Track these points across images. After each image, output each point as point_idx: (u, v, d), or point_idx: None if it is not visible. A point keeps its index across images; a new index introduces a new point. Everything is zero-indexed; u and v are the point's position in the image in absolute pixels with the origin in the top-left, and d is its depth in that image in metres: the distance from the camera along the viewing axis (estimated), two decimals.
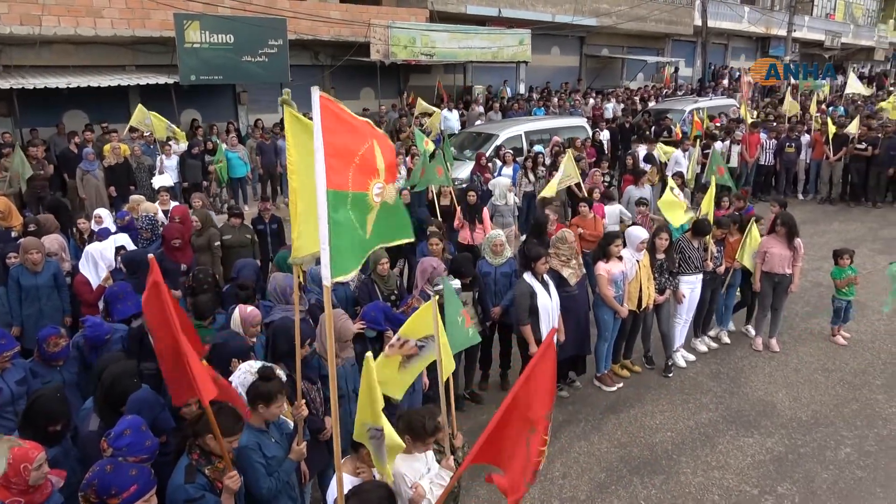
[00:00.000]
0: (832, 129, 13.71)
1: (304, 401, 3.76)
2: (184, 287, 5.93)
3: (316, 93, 2.64)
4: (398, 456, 3.37)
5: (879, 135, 13.55)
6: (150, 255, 2.99)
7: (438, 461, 3.60)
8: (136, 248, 6.90)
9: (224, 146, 12.28)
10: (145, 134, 12.39)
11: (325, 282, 2.75)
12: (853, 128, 13.75)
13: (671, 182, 8.27)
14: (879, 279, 9.51)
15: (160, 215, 7.80)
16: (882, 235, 11.71)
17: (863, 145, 13.51)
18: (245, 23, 14.94)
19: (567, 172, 9.06)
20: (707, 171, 10.63)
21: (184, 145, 12.47)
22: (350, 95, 19.49)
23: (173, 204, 8.20)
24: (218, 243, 7.55)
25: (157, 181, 10.29)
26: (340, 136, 2.72)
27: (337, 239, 2.69)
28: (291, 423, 3.94)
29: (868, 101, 23.50)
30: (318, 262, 5.28)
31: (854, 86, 18.62)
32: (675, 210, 7.63)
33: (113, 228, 7.45)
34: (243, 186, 12.83)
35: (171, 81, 14.16)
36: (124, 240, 6.88)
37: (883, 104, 16.73)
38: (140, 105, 12.70)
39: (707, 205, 7.60)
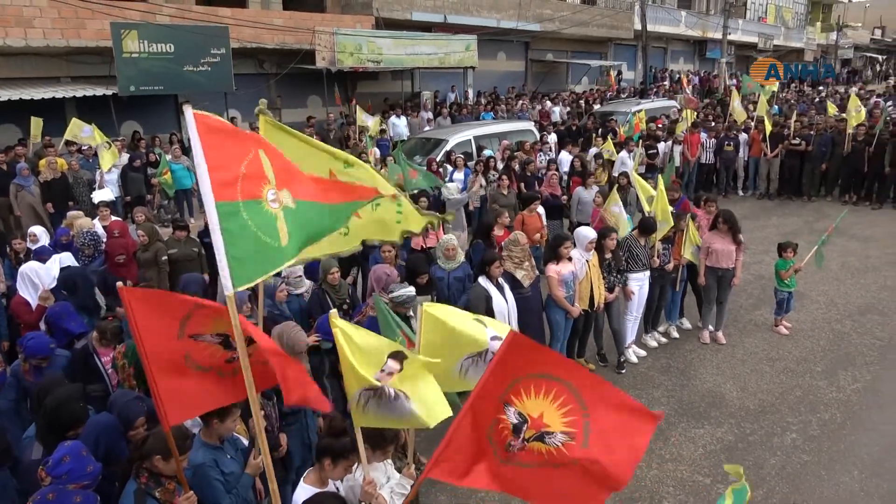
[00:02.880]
0: (769, 127, 14.30)
1: (261, 413, 3.68)
2: None
3: (189, 110, 2.69)
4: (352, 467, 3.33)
5: (812, 132, 14.19)
6: (120, 284, 2.86)
7: (399, 469, 3.58)
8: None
9: (168, 157, 11.97)
10: (83, 147, 11.96)
11: (225, 291, 2.71)
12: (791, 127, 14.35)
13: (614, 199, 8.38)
14: (817, 270, 9.91)
15: (99, 230, 7.54)
16: (817, 228, 12.21)
17: (797, 141, 14.13)
18: (186, 31, 14.61)
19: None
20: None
21: (125, 158, 12.09)
22: (297, 104, 19.28)
23: (114, 219, 7.95)
24: (165, 258, 7.35)
25: (97, 196, 9.95)
26: (221, 150, 2.74)
27: (233, 248, 2.67)
28: (245, 440, 3.87)
29: (801, 100, 24.54)
30: (279, 274, 5.20)
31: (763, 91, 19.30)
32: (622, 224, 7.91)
33: (49, 246, 7.16)
34: (189, 198, 12.52)
35: (109, 93, 13.73)
36: (69, 260, 6.63)
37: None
38: (74, 118, 12.25)
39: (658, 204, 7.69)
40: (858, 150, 13.47)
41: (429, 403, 3.09)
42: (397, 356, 3.07)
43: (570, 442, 2.66)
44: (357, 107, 15.89)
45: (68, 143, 12.05)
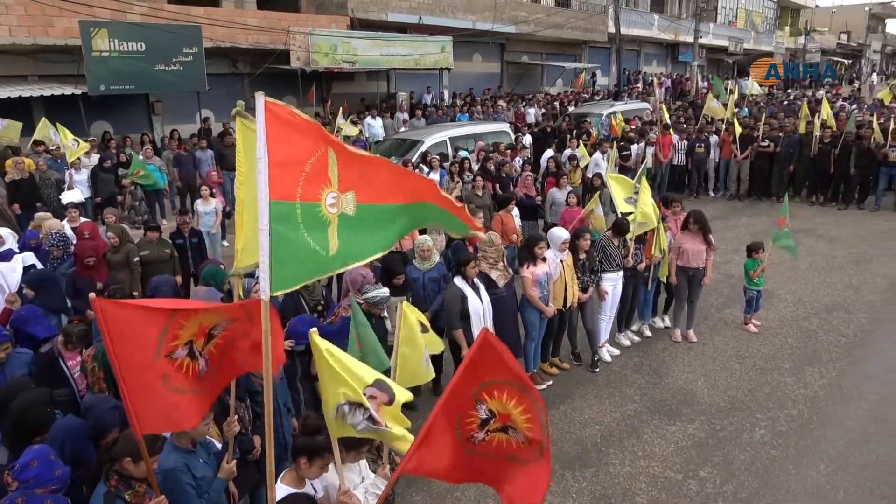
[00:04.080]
0: (738, 129, 14.58)
1: (235, 417, 3.66)
2: None
3: (260, 98, 2.49)
4: (329, 466, 3.33)
5: (780, 134, 14.50)
6: (92, 295, 2.72)
7: (373, 470, 3.57)
8: (44, 267, 6.53)
9: (140, 158, 11.79)
10: (51, 148, 11.73)
11: (262, 295, 2.61)
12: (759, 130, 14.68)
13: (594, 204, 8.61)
14: (785, 269, 10.15)
15: (68, 231, 7.41)
16: None
17: (766, 143, 14.43)
18: (157, 30, 14.42)
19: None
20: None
21: (95, 158, 11.89)
22: None
23: (83, 220, 7.81)
24: (137, 259, 7.25)
25: (66, 197, 9.76)
26: (288, 144, 2.55)
27: (280, 251, 2.55)
28: (218, 443, 3.83)
29: (770, 103, 25.04)
30: (252, 275, 5.16)
31: (753, 88, 19.87)
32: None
33: (16, 248, 7.01)
34: (160, 199, 12.33)
35: (78, 92, 13.49)
36: (31, 259, 6.50)
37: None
38: (44, 119, 12.01)
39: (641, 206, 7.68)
40: (825, 151, 13.80)
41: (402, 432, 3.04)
42: (381, 385, 2.99)
43: (527, 446, 2.78)
44: (341, 109, 15.82)
45: (36, 143, 11.82)
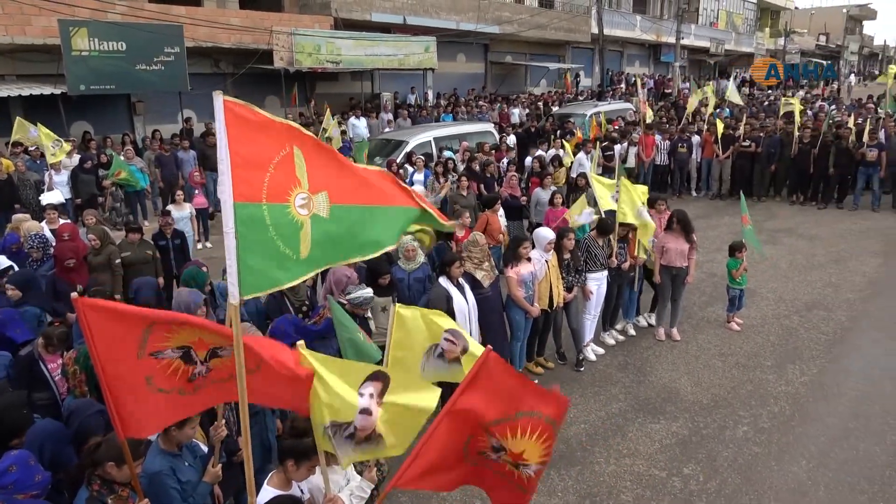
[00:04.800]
0: (720, 129, 14.72)
1: (223, 421, 3.62)
2: None
3: (219, 98, 2.42)
4: (316, 469, 3.31)
5: (761, 134, 14.67)
6: (74, 295, 2.62)
7: (360, 472, 3.56)
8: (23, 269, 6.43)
9: (120, 158, 11.66)
10: (30, 148, 11.56)
11: (231, 299, 2.56)
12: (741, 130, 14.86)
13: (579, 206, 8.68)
14: (767, 268, 10.27)
15: (46, 233, 7.31)
16: (767, 227, 12.64)
17: (747, 143, 14.59)
18: (138, 29, 14.26)
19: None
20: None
21: (76, 159, 11.73)
22: (254, 104, 18.82)
23: (62, 222, 7.71)
24: (119, 261, 7.17)
25: (46, 198, 9.61)
26: (250, 144, 2.49)
27: (247, 254, 2.46)
28: (204, 447, 3.79)
29: (751, 104, 25.30)
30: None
31: (733, 95, 20.11)
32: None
33: None
34: (141, 200, 12.21)
35: (58, 92, 13.31)
36: (7, 262, 6.40)
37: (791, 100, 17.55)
38: (19, 118, 11.82)
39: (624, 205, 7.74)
40: (805, 151, 13.98)
41: (397, 436, 2.94)
42: (376, 376, 2.91)
43: (540, 469, 2.84)
44: (328, 109, 15.75)
45: (14, 143, 11.64)
